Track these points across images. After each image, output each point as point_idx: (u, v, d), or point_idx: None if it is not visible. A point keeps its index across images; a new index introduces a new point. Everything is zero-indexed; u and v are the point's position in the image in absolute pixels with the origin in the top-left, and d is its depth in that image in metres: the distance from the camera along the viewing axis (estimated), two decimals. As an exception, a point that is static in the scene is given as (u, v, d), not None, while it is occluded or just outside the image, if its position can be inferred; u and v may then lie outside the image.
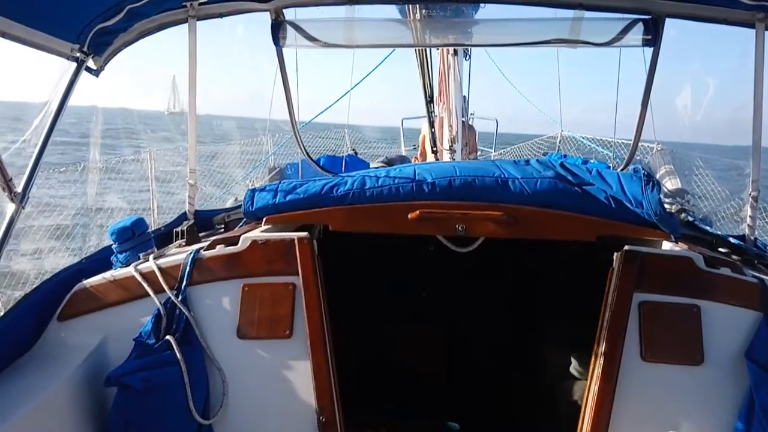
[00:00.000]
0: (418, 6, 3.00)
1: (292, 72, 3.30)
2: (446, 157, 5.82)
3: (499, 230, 2.29)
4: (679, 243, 2.39)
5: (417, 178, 2.39)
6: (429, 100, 5.24)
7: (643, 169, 2.39)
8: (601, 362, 2.09)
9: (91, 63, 2.45)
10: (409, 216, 2.29)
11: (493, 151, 11.19)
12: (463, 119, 6.10)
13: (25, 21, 1.98)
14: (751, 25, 2.51)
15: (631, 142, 3.30)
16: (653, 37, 2.73)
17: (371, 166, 7.99)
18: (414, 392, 3.22)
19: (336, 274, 2.41)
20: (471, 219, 2.29)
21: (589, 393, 2.13)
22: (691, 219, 3.42)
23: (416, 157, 8.17)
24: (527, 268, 3.35)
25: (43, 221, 5.96)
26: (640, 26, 2.72)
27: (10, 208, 2.00)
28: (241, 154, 10.28)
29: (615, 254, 2.17)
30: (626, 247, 2.15)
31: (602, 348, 2.11)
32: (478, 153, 8.06)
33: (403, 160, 8.68)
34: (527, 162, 2.59)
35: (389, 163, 8.31)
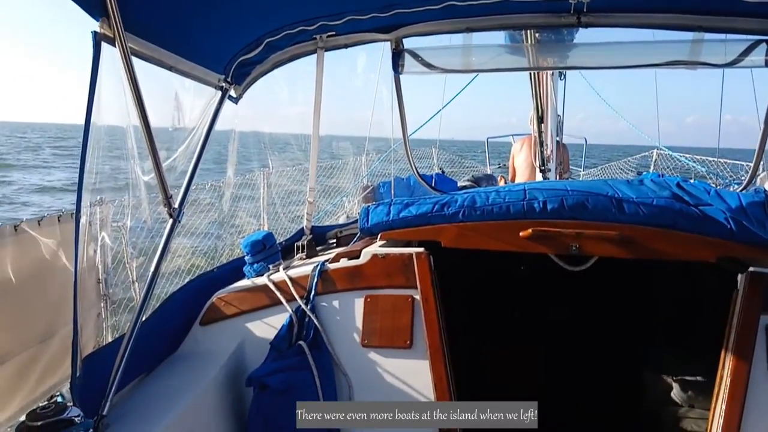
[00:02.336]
0: (532, 31, 3.08)
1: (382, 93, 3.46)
2: (539, 176, 5.82)
3: (615, 250, 2.30)
4: None
5: (527, 197, 2.43)
6: (540, 120, 5.25)
7: (766, 190, 2.34)
8: (727, 384, 2.05)
9: (232, 91, 2.73)
10: (521, 234, 2.33)
11: (581, 170, 10.95)
12: (557, 138, 6.09)
13: (188, 56, 2.27)
14: None
15: (732, 160, 3.20)
16: None
17: (459, 184, 8.06)
18: None
19: (448, 290, 2.51)
20: (585, 238, 2.30)
21: (714, 414, 2.10)
22: None
23: (502, 176, 8.16)
24: (635, 292, 3.29)
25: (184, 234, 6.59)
26: (763, 47, 2.67)
27: (169, 222, 2.25)
28: (342, 170, 10.72)
29: (739, 276, 2.14)
30: (751, 269, 2.11)
31: (728, 370, 2.07)
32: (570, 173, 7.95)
33: (489, 178, 8.67)
34: (641, 182, 2.58)
35: (476, 181, 8.33)
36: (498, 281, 3.35)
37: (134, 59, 1.86)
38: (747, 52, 2.68)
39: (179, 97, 2.43)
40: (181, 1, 2.02)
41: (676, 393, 2.86)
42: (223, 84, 2.62)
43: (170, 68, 2.19)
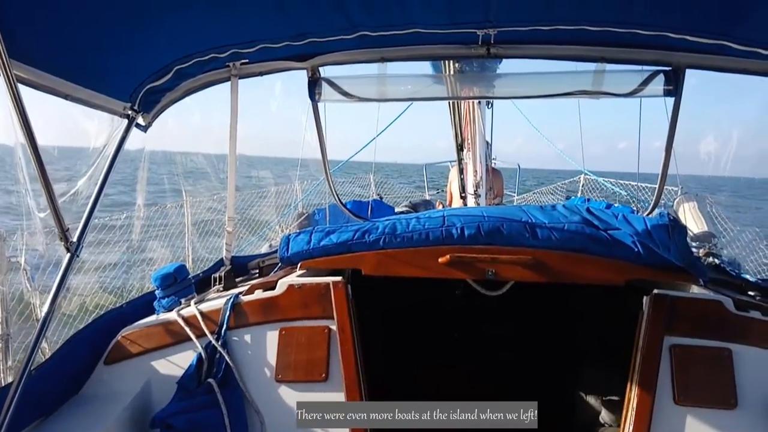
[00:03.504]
0: (451, 62, 3.14)
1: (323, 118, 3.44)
2: (471, 201, 5.92)
3: (528, 274, 2.34)
4: (708, 287, 2.41)
5: (446, 223, 2.46)
6: (459, 148, 5.37)
7: (669, 214, 2.44)
8: (634, 406, 2.09)
9: (140, 119, 2.62)
10: (440, 260, 2.35)
11: (515, 194, 11.25)
12: (487, 164, 6.22)
13: (86, 84, 2.16)
14: None
15: (653, 185, 3.35)
16: (674, 88, 2.80)
17: (396, 210, 8.10)
18: None
19: (369, 317, 2.47)
20: (500, 263, 2.34)
21: None
22: (718, 263, 3.42)
23: (440, 202, 8.27)
24: (556, 313, 3.36)
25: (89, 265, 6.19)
26: (661, 77, 2.80)
27: (66, 257, 2.11)
28: (276, 196, 10.50)
29: (645, 298, 2.20)
30: (655, 291, 2.18)
31: (634, 392, 2.11)
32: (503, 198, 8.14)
33: (428, 204, 8.78)
34: (554, 207, 2.66)
35: (414, 207, 8.41)
36: (426, 306, 3.34)
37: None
38: (646, 82, 2.81)
39: (82, 125, 2.32)
40: (76, 26, 1.92)
41: (603, 414, 2.91)
42: (130, 112, 2.52)
43: (65, 97, 2.08)
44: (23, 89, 1.77)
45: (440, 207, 7.85)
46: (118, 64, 2.30)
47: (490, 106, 6.25)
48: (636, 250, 2.32)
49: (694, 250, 2.99)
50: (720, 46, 2.39)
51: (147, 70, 2.47)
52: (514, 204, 9.37)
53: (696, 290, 2.34)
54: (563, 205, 2.68)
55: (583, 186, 11.21)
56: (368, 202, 7.88)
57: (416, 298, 3.18)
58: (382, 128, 7.60)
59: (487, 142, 6.27)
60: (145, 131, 2.70)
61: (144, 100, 2.57)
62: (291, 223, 7.95)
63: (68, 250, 2.09)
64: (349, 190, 12.81)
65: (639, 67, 2.81)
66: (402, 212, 7.99)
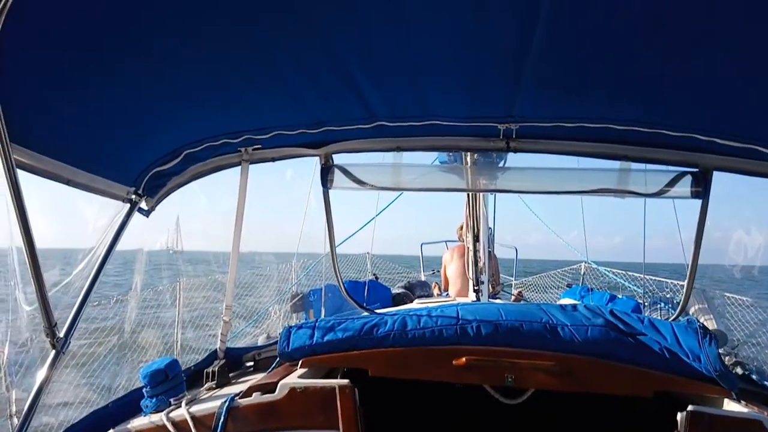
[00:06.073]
0: (468, 154, 3.09)
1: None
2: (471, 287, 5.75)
3: (551, 381, 2.18)
4: (740, 400, 2.24)
5: (461, 320, 2.32)
6: (476, 238, 5.29)
7: (697, 320, 2.31)
8: None
9: (143, 204, 2.51)
10: (455, 362, 2.19)
11: (513, 279, 11.10)
12: (489, 250, 6.12)
13: (88, 169, 2.07)
14: None
15: (657, 278, 3.23)
16: (702, 190, 2.72)
17: (393, 291, 7.93)
18: None
19: (374, 419, 2.27)
20: (520, 368, 2.18)
21: None
22: (747, 372, 3.25)
23: (436, 284, 8.11)
24: (580, 426, 3.14)
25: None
26: (688, 178, 2.72)
27: (51, 354, 1.94)
28: (266, 279, 10.30)
29: (679, 414, 2.03)
30: (691, 408, 2.01)
31: None
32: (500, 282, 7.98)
33: (424, 286, 8.62)
34: (575, 308, 2.52)
35: (410, 288, 8.27)
36: (437, 413, 3.12)
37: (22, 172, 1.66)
38: (673, 183, 2.74)
39: (80, 209, 2.20)
40: (80, 109, 1.84)
41: None
42: (133, 196, 2.42)
43: (67, 182, 1.98)
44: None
45: (436, 289, 7.70)
46: (124, 148, 2.22)
47: (494, 194, 6.23)
48: (665, 358, 2.17)
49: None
50: (750, 150, 2.34)
51: (155, 153, 2.39)
52: (513, 288, 9.20)
53: (731, 405, 2.18)
54: (585, 306, 2.55)
55: (584, 274, 11.07)
56: (365, 282, 7.73)
57: (426, 402, 2.96)
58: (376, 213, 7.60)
59: (490, 229, 6.21)
60: (147, 216, 2.59)
61: (149, 184, 2.47)
62: (285, 304, 7.74)
63: (54, 346, 1.92)
64: (344, 271, 12.60)
65: (665, 167, 2.74)
66: (399, 293, 7.82)
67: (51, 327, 1.88)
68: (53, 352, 1.95)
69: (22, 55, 1.50)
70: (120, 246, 2.34)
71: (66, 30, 1.50)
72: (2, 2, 1.24)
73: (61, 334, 1.95)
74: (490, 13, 1.59)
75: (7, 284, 1.92)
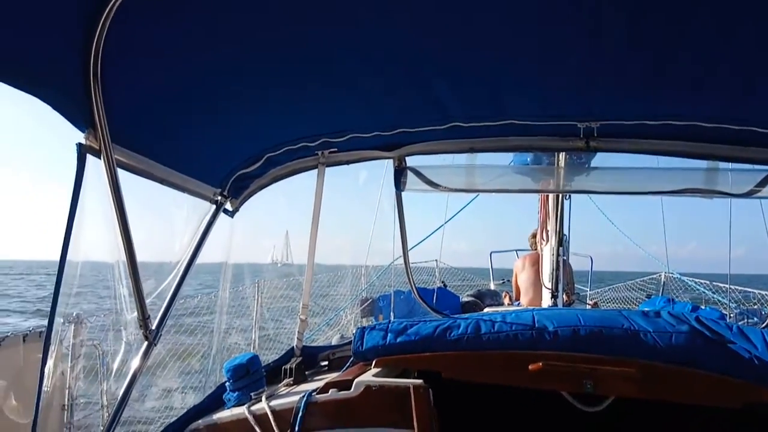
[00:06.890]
0: (539, 153, 3.04)
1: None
2: (546, 295, 5.62)
3: (633, 389, 2.10)
4: None
5: (537, 325, 2.28)
6: (560, 243, 5.17)
7: None
8: None
9: (228, 205, 2.64)
10: (531, 367, 2.14)
11: (588, 289, 10.74)
12: (564, 258, 5.96)
13: (180, 169, 2.20)
14: None
15: (748, 289, 3.04)
16: None
17: (462, 299, 7.85)
18: None
19: (447, 423, 2.26)
20: (600, 374, 2.11)
21: None
22: None
23: (507, 293, 7.96)
24: None
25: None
26: None
27: (144, 345, 2.07)
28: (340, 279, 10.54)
29: None
30: None
31: None
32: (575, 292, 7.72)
33: (494, 295, 8.46)
34: (657, 314, 2.42)
35: (479, 296, 8.14)
36: (507, 417, 3.07)
37: (122, 171, 1.79)
38: (764, 183, 2.60)
39: (171, 209, 2.34)
40: (175, 114, 1.98)
41: None
42: (219, 198, 2.55)
43: (161, 181, 2.12)
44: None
45: (507, 299, 7.54)
46: (213, 151, 2.36)
47: (568, 198, 6.08)
48: (756, 367, 2.05)
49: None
50: None
51: (239, 156, 2.51)
52: (587, 299, 8.89)
53: None
54: (669, 312, 2.44)
55: (664, 284, 10.55)
56: (433, 289, 7.71)
57: (500, 408, 2.92)
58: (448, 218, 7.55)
59: (564, 235, 6.05)
60: (232, 216, 2.72)
61: (233, 186, 2.60)
62: (354, 309, 7.85)
63: (146, 338, 2.05)
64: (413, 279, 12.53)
65: (754, 166, 2.60)
66: (468, 302, 7.73)
67: (144, 319, 2.01)
68: (145, 343, 2.07)
69: (135, 63, 1.64)
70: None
71: (181, 59, 1.69)
72: (105, 11, 1.36)
73: (153, 327, 2.07)
74: (564, 8, 1.58)
75: (103, 280, 2.05)
